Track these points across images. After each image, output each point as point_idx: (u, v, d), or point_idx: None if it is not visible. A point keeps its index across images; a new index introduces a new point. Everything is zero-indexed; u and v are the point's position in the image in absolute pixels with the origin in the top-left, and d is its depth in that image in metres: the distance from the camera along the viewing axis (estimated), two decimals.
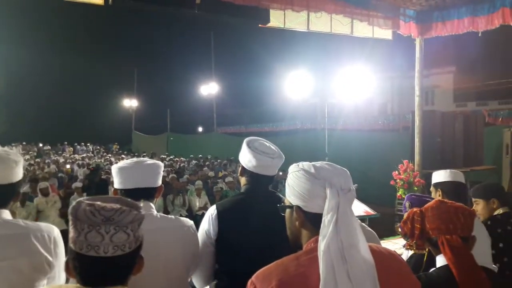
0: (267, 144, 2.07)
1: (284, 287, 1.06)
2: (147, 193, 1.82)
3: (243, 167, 2.08)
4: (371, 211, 5.12)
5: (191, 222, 1.93)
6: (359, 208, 5.25)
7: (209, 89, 28.53)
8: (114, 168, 1.85)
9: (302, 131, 22.75)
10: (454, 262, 1.53)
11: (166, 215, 1.89)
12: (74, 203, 1.10)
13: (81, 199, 1.11)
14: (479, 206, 2.85)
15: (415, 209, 1.75)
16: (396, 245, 3.81)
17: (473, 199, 2.89)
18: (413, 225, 1.71)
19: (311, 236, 1.19)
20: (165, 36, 51.24)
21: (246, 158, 2.02)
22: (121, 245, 1.08)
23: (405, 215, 1.80)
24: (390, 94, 33.48)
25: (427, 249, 1.77)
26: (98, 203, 1.09)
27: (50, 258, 1.59)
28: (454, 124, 7.74)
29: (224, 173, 11.98)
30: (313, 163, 1.24)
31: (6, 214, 1.61)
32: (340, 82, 9.44)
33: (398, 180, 6.09)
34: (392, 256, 1.21)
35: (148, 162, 1.87)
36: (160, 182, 1.91)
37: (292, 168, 1.25)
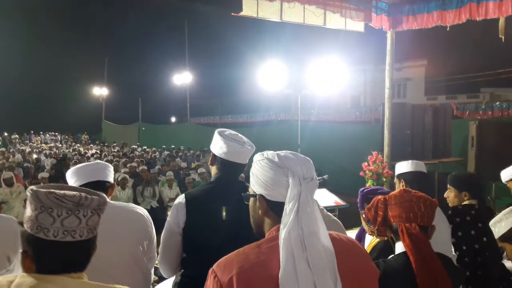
0: (239, 134, 2.11)
1: (245, 275, 1.07)
2: (100, 187, 1.90)
3: (213, 155, 2.09)
4: (341, 202, 5.19)
5: (144, 210, 2.03)
6: (330, 199, 5.32)
7: (182, 78, 28.08)
8: (68, 174, 2.02)
9: (276, 122, 22.85)
10: (412, 249, 1.60)
11: (118, 202, 2.01)
12: (28, 193, 1.07)
13: (31, 187, 1.08)
14: (451, 193, 2.93)
15: (380, 196, 1.81)
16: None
17: (448, 185, 2.96)
18: (376, 212, 1.78)
19: (274, 225, 1.20)
20: (137, 24, 50.04)
21: (217, 145, 2.05)
22: (93, 228, 1.12)
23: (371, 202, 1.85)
24: (363, 86, 33.97)
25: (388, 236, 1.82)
26: (56, 190, 1.07)
27: (9, 251, 1.57)
28: (424, 116, 7.90)
29: (197, 164, 11.87)
30: (277, 152, 1.24)
31: None
32: (314, 74, 9.46)
33: (367, 171, 6.19)
34: (352, 244, 1.23)
35: (98, 161, 2.09)
36: (112, 180, 2.04)
37: (257, 157, 1.26)
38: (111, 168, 2.10)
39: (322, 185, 5.56)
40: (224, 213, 1.93)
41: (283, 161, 1.18)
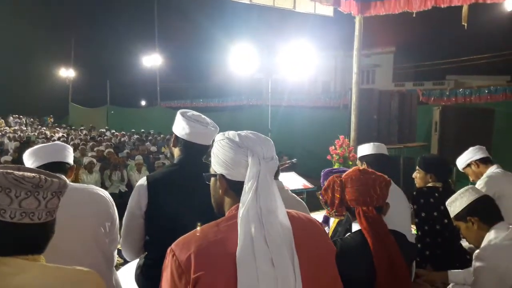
0: (202, 115, 2.08)
1: (203, 253, 1.07)
2: (59, 168, 1.88)
3: (176, 137, 2.06)
4: (309, 185, 5.28)
5: (105, 192, 2.00)
6: (298, 182, 5.40)
7: (152, 60, 27.46)
8: (25, 155, 1.95)
9: (248, 107, 22.77)
10: (369, 230, 1.67)
11: (79, 184, 1.96)
12: None
13: None
14: (418, 175, 3.05)
15: (335, 178, 1.84)
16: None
17: (417, 167, 3.07)
18: (333, 194, 1.83)
19: (233, 204, 1.22)
20: (106, 2, 48.29)
21: (179, 126, 2.02)
22: (52, 210, 1.10)
23: (326, 183, 1.90)
24: (334, 72, 34.28)
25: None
26: (13, 171, 1.04)
27: None
28: (390, 102, 8.07)
29: (167, 149, 11.73)
30: (238, 132, 1.25)
31: None
32: (284, 58, 9.47)
33: (334, 155, 6.31)
34: (311, 222, 1.26)
35: (56, 141, 2.00)
36: (71, 162, 1.99)
37: (218, 137, 1.26)
38: (70, 149, 2.05)
39: (291, 168, 5.64)
40: (187, 195, 1.91)
41: (244, 141, 1.19)
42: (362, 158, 2.95)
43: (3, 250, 1.05)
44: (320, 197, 1.95)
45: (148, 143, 13.60)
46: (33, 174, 1.07)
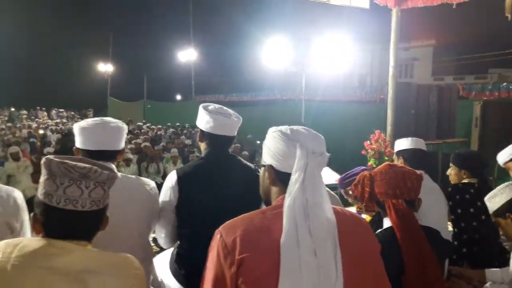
0: (223, 107, 2.12)
1: (248, 237, 1.12)
2: (109, 156, 1.81)
3: (201, 131, 2.10)
4: None
5: (152, 183, 1.96)
6: (332, 177, 5.34)
7: (187, 55, 27.84)
8: (76, 127, 1.82)
9: (281, 101, 22.70)
10: (398, 224, 1.64)
11: (128, 175, 1.91)
12: (43, 159, 1.12)
13: (48, 156, 1.12)
14: (452, 171, 2.98)
15: (365, 173, 1.84)
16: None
17: (450, 163, 3.00)
18: (363, 188, 1.81)
19: (280, 194, 1.25)
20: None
21: (203, 120, 2.06)
22: (97, 200, 1.14)
23: (356, 178, 1.89)
24: (370, 66, 33.57)
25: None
26: (68, 161, 1.11)
27: (10, 219, 1.58)
28: (429, 96, 7.84)
29: None
30: (291, 126, 1.29)
31: None
32: (319, 52, 9.38)
33: (369, 150, 6.20)
34: (355, 218, 1.28)
35: (112, 124, 1.84)
36: (122, 145, 1.90)
37: (271, 130, 1.31)
38: (124, 130, 1.92)
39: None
40: (216, 187, 1.93)
41: (294, 134, 1.24)
42: (399, 153, 2.89)
43: (52, 233, 1.13)
44: (350, 193, 1.94)
45: (183, 136, 13.88)
46: (85, 165, 1.13)
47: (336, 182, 5.17)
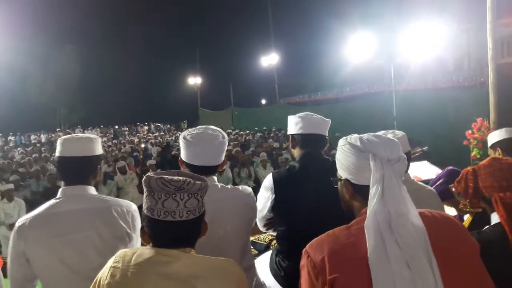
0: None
1: (335, 256, 1.10)
2: (210, 170, 1.87)
3: (292, 137, 2.15)
4: None
5: (249, 190, 1.98)
6: (431, 171, 4.95)
7: (269, 60, 28.26)
8: (181, 140, 1.86)
9: (370, 95, 21.90)
10: (507, 219, 1.53)
11: (226, 186, 1.93)
12: (144, 177, 1.22)
13: (148, 174, 1.23)
14: None
15: (468, 168, 1.76)
16: None
17: None
18: (466, 184, 1.73)
19: (362, 207, 1.22)
20: (222, 11, 51.34)
21: (292, 124, 2.13)
22: (192, 209, 1.21)
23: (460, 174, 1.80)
24: (466, 47, 30.70)
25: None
26: (165, 176, 1.20)
27: (129, 230, 1.76)
28: None
29: (288, 143, 11.94)
30: (361, 135, 1.24)
31: (92, 190, 1.81)
32: (408, 39, 8.81)
33: (471, 140, 5.67)
34: (447, 220, 1.19)
35: (215, 141, 1.85)
36: (223, 158, 1.93)
37: (340, 143, 1.28)
38: (225, 144, 1.91)
39: (422, 157, 5.24)
40: (311, 191, 1.93)
41: (365, 145, 1.19)
42: (495, 145, 2.70)
43: (158, 242, 1.23)
44: (453, 189, 1.83)
45: (271, 140, 14.04)
46: (179, 178, 1.21)
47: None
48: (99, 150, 1.86)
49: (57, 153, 1.81)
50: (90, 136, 1.86)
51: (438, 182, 2.75)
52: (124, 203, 1.81)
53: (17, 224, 1.66)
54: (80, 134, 1.87)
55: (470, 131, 5.78)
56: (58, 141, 1.83)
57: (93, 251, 1.66)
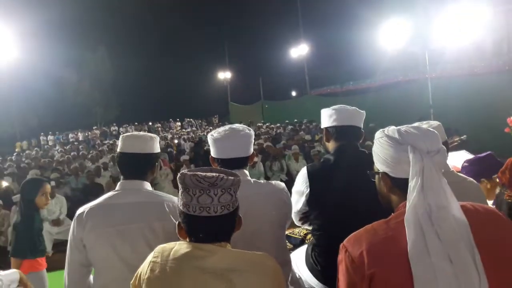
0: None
1: (374, 250, 1.09)
2: (241, 162, 1.90)
3: (326, 130, 2.14)
4: None
5: (282, 185, 1.99)
6: None
7: (299, 51, 28.01)
8: (209, 138, 1.95)
9: (404, 83, 21.29)
10: None
11: (259, 181, 1.96)
12: (178, 175, 1.26)
13: (183, 171, 1.26)
14: None
15: None
16: None
17: None
18: (511, 174, 1.69)
19: (400, 201, 1.19)
20: (251, 4, 51.23)
21: (326, 117, 2.13)
22: (226, 204, 1.24)
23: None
24: (506, 30, 29.25)
25: None
26: (199, 173, 1.23)
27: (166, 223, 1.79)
28: None
29: (320, 136, 11.82)
30: (398, 127, 1.22)
31: (148, 186, 1.90)
32: (443, 24, 8.48)
33: None
34: (491, 214, 1.14)
35: (240, 133, 1.91)
36: (251, 150, 1.97)
37: (377, 135, 1.26)
38: (252, 136, 1.97)
39: (460, 146, 5.05)
40: (347, 184, 1.91)
41: (404, 137, 1.16)
42: None
43: (196, 237, 1.26)
44: (497, 180, 1.76)
45: (302, 132, 13.94)
46: (213, 174, 1.23)
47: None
48: (157, 148, 1.96)
49: (118, 149, 1.91)
50: (151, 134, 1.95)
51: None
52: (174, 199, 1.87)
53: (78, 212, 1.78)
54: (141, 133, 1.97)
55: (511, 118, 5.49)
56: (121, 138, 1.94)
57: (144, 244, 1.72)
